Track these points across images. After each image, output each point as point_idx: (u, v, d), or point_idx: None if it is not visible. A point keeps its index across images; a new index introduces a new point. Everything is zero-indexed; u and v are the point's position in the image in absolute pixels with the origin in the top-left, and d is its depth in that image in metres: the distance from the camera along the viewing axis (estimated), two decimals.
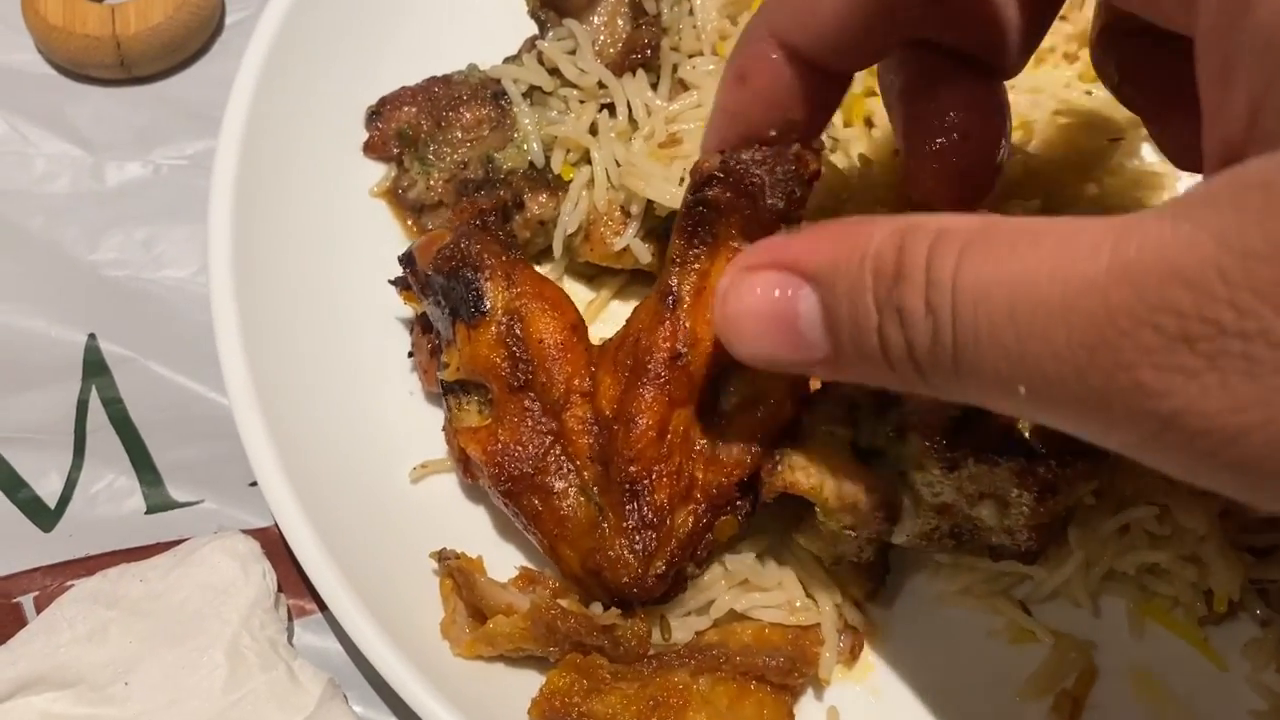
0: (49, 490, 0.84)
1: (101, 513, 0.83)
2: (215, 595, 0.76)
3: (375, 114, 0.94)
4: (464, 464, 0.77)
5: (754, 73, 0.63)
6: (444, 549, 0.77)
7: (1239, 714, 0.75)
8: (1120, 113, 0.83)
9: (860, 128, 0.88)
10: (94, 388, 0.87)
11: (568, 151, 0.88)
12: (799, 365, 0.55)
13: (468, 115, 0.92)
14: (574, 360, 0.73)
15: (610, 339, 0.74)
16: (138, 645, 0.74)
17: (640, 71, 0.89)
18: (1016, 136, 0.86)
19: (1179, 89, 0.54)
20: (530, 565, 0.78)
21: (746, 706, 0.71)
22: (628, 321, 0.73)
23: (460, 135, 0.91)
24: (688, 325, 0.69)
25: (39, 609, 0.78)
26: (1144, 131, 0.77)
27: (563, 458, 0.72)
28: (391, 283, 0.83)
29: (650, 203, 0.83)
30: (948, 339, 0.45)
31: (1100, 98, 0.85)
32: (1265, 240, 0.36)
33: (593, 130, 0.88)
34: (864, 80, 0.87)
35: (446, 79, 0.94)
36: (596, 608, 0.73)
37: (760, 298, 0.54)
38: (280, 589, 0.79)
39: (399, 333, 0.87)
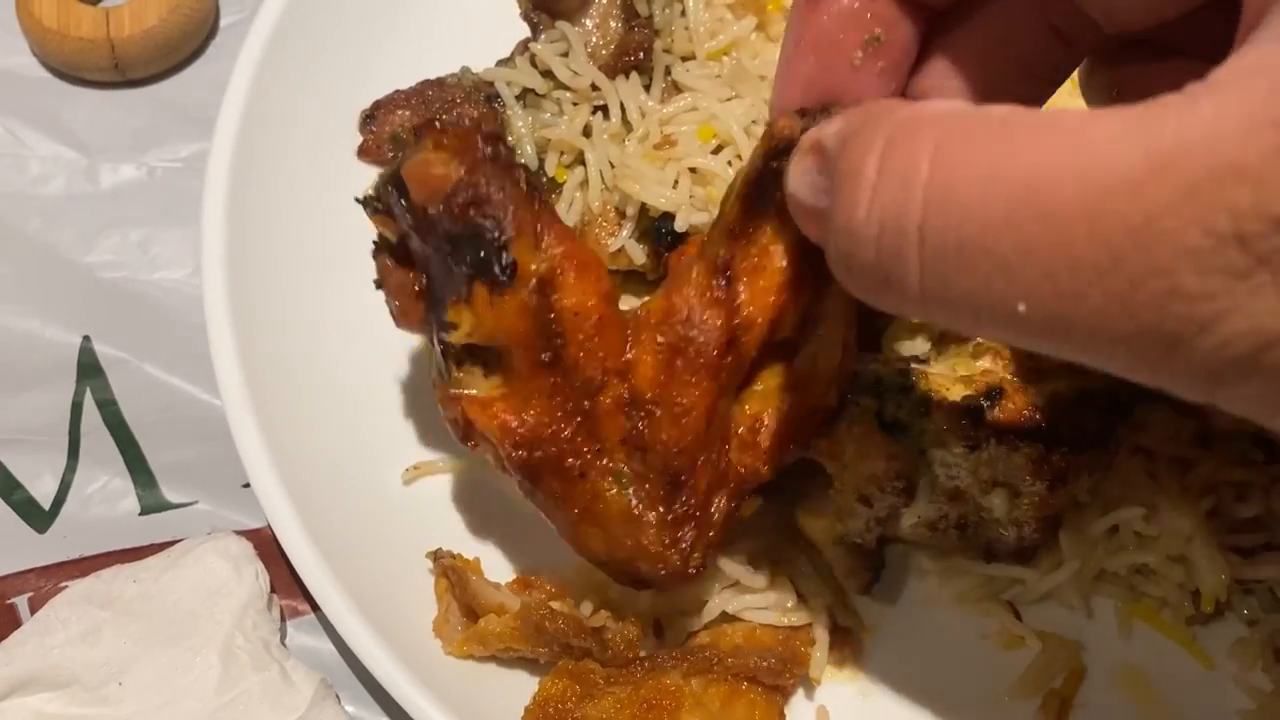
0: (43, 491, 0.84)
1: (96, 514, 0.84)
2: (208, 596, 0.77)
3: (369, 118, 0.94)
4: (464, 432, 0.69)
5: None
6: (439, 549, 0.77)
7: (1226, 713, 0.76)
8: None
9: None
10: (88, 389, 0.88)
11: (561, 154, 0.88)
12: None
13: (461, 119, 0.92)
14: (610, 336, 0.65)
15: (645, 310, 0.66)
16: (131, 646, 0.75)
17: (633, 74, 0.89)
18: None
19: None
20: (527, 569, 0.78)
21: (738, 707, 0.72)
22: (667, 293, 0.66)
23: None
24: (749, 309, 0.63)
25: (33, 610, 0.78)
26: None
27: (591, 439, 0.66)
28: (360, 201, 0.71)
29: (644, 204, 0.84)
30: (911, 255, 0.40)
31: None
32: None
33: (586, 132, 0.88)
34: None
35: (440, 82, 0.95)
36: (586, 609, 0.73)
37: (799, 183, 0.50)
38: (273, 590, 0.79)
39: (392, 335, 0.86)
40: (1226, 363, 0.36)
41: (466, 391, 0.68)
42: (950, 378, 0.70)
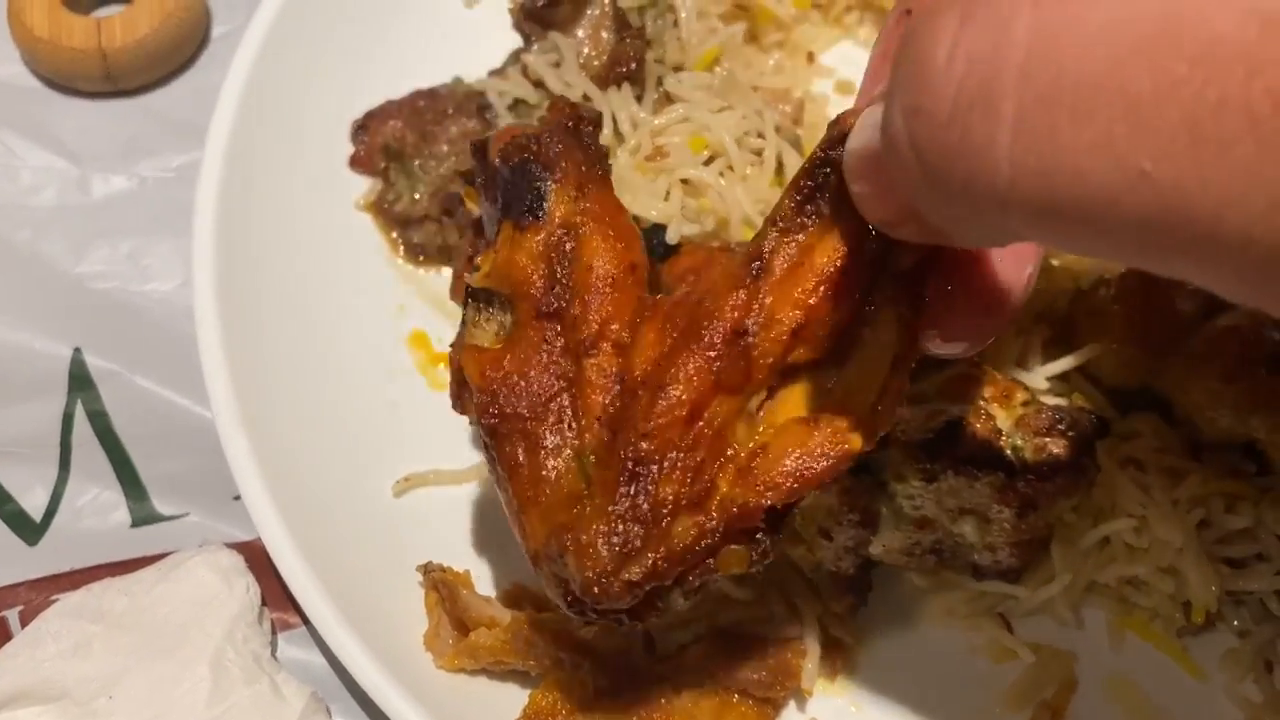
0: (34, 504, 0.84)
1: (87, 526, 0.84)
2: (199, 609, 0.76)
3: (361, 128, 0.94)
4: (457, 388, 0.65)
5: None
6: (429, 562, 0.77)
7: None
8: None
9: None
10: (79, 401, 0.87)
11: None
12: (894, 225, 0.46)
13: (453, 128, 0.92)
14: (620, 302, 0.60)
15: (670, 295, 0.61)
16: (122, 659, 0.74)
17: (625, 85, 0.89)
18: None
19: None
20: (517, 582, 0.78)
21: None
22: (697, 279, 0.62)
23: (445, 148, 0.92)
24: (768, 301, 0.55)
25: (24, 623, 0.78)
26: None
27: (567, 409, 0.59)
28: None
29: (636, 216, 0.84)
30: (1006, 106, 0.32)
31: None
32: None
33: None
34: None
35: (432, 92, 0.95)
36: (576, 621, 0.73)
37: (861, 139, 0.45)
38: (264, 602, 0.79)
39: (382, 346, 0.87)
40: None
41: (470, 342, 0.64)
42: (909, 410, 0.68)
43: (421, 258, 0.90)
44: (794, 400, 0.57)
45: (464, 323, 0.64)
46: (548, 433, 0.59)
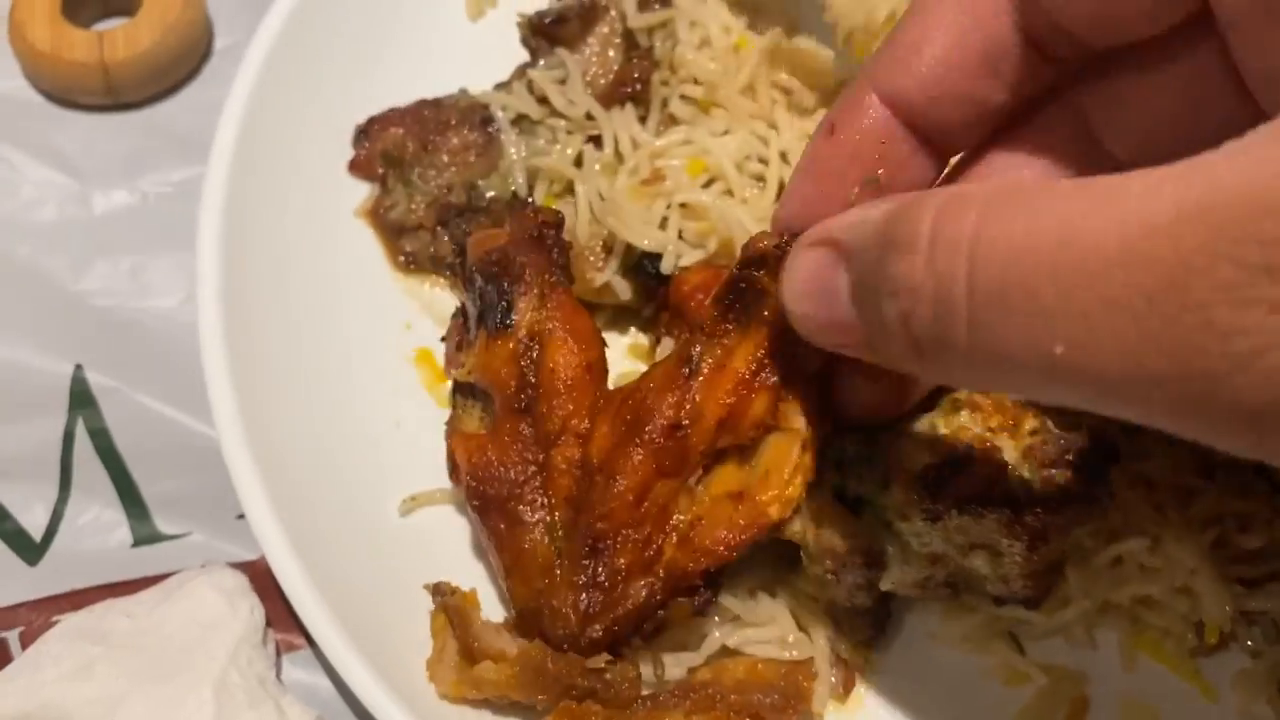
0: (34, 523, 0.83)
1: (88, 546, 0.83)
2: (202, 630, 0.75)
3: (363, 133, 0.94)
4: (452, 465, 0.77)
5: (844, 123, 0.58)
6: (440, 582, 0.76)
7: None
8: None
9: None
10: (80, 419, 0.87)
11: (551, 183, 0.88)
12: (846, 347, 0.53)
13: (454, 139, 0.92)
14: (579, 399, 0.73)
15: (624, 387, 0.73)
16: (124, 682, 0.73)
17: (629, 105, 0.89)
18: None
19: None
20: None
21: None
22: (643, 375, 0.73)
23: (446, 159, 0.91)
24: (698, 399, 0.68)
25: (24, 645, 0.77)
26: None
27: (540, 491, 0.72)
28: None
29: (629, 246, 0.84)
30: (960, 307, 0.42)
31: None
32: None
33: (579, 162, 0.88)
34: None
35: (437, 102, 0.94)
36: None
37: (807, 275, 0.53)
38: (269, 623, 0.78)
39: (388, 363, 0.87)
40: (1267, 403, 0.36)
41: (459, 428, 0.77)
42: (919, 443, 0.68)
43: (412, 266, 0.90)
44: (725, 477, 0.70)
45: (453, 408, 0.78)
46: (524, 510, 0.72)
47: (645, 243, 0.82)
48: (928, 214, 0.43)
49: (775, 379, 0.69)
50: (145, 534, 0.83)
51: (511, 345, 0.75)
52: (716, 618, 0.75)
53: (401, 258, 0.90)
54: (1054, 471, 0.67)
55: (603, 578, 0.69)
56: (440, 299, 0.90)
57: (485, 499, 0.73)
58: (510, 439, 0.74)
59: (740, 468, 0.70)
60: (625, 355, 0.89)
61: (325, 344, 0.86)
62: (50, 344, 0.89)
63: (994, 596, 0.71)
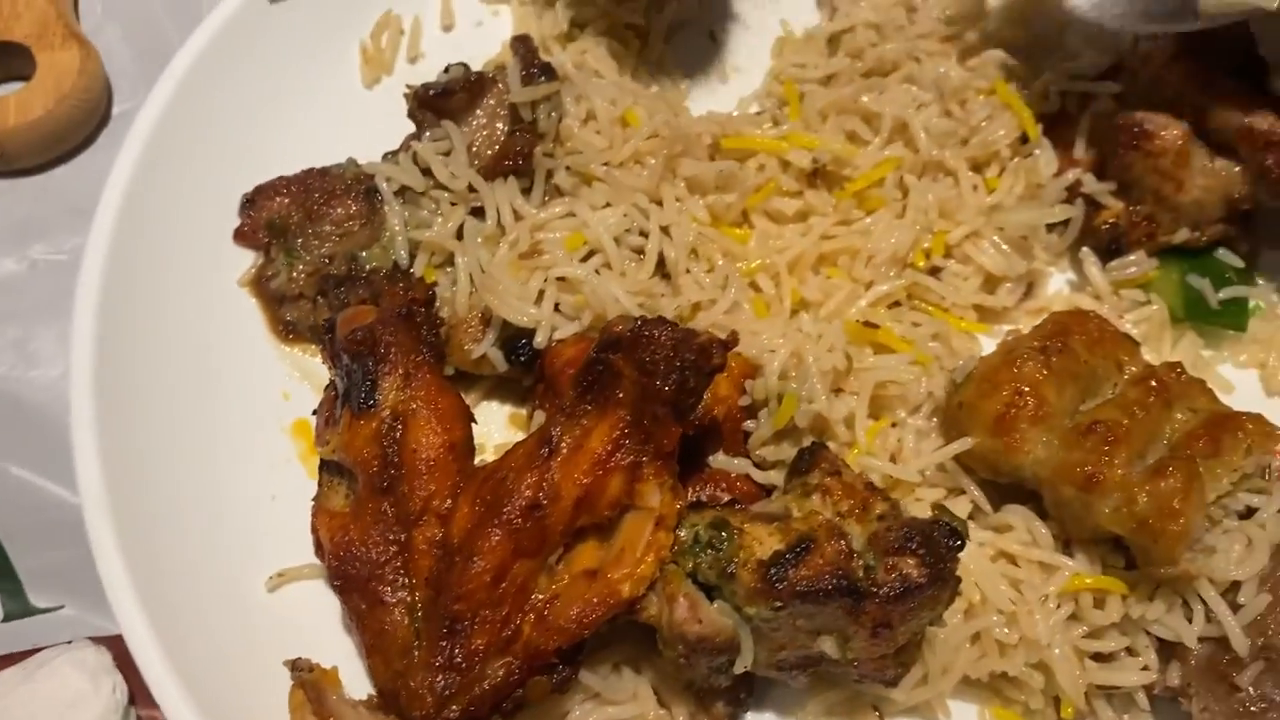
0: None
1: None
2: (64, 710, 0.75)
3: (249, 202, 0.94)
4: (316, 544, 0.78)
5: None
6: (298, 659, 0.76)
7: None
8: None
9: None
10: None
11: (432, 254, 0.89)
12: None
13: (339, 209, 0.92)
14: (440, 479, 0.74)
15: (486, 466, 0.74)
16: None
17: (512, 177, 0.90)
18: None
19: None
20: None
21: None
22: (505, 454, 0.73)
23: (329, 229, 0.92)
24: (556, 478, 0.69)
25: None
26: None
27: (401, 571, 0.73)
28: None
29: (505, 322, 0.84)
30: None
31: None
32: None
33: (460, 234, 0.88)
34: None
35: (324, 171, 0.95)
36: None
37: None
38: (133, 701, 0.78)
39: (264, 435, 0.87)
40: None
41: (325, 505, 0.78)
42: (766, 530, 0.69)
43: (291, 335, 0.90)
44: (584, 555, 0.71)
45: (319, 485, 0.79)
46: (385, 590, 0.73)
47: (521, 319, 0.83)
48: None
49: (631, 459, 0.70)
50: (17, 608, 0.83)
51: (375, 425, 0.76)
52: (579, 695, 0.76)
53: (282, 326, 0.91)
54: (897, 559, 0.67)
55: (460, 659, 0.69)
56: (320, 369, 0.90)
57: (347, 578, 0.74)
58: (372, 519, 0.75)
59: (599, 546, 0.72)
60: (506, 425, 0.90)
61: (202, 414, 0.86)
62: None
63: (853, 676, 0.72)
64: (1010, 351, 0.81)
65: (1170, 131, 0.89)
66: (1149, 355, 0.85)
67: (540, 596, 0.70)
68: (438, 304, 0.86)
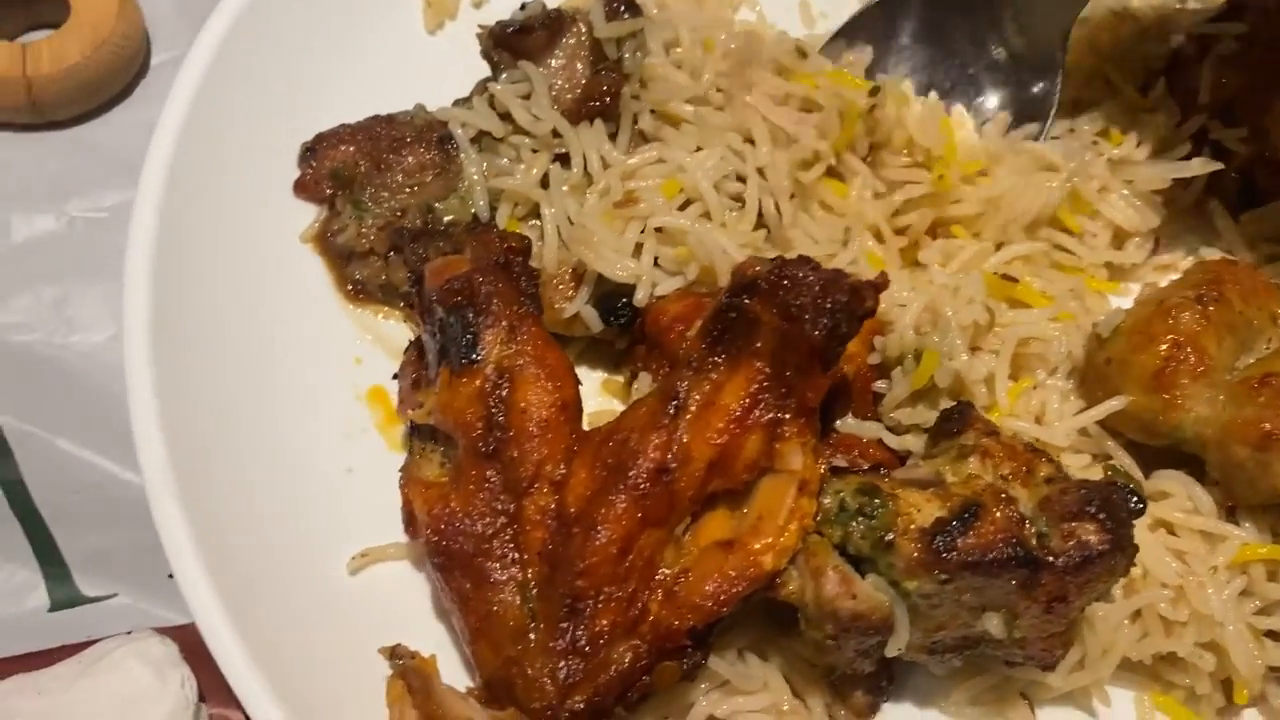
0: None
1: None
2: (126, 707, 0.68)
3: (310, 151, 0.86)
4: (408, 517, 0.72)
5: None
6: (397, 646, 0.69)
7: None
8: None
9: None
10: None
11: (515, 205, 0.81)
12: None
13: (410, 159, 0.85)
14: (554, 442, 0.67)
15: (602, 428, 0.67)
16: None
17: (598, 121, 0.82)
18: None
19: None
20: None
21: None
22: (623, 413, 0.67)
23: (401, 180, 0.84)
24: (685, 439, 0.62)
25: None
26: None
27: (510, 545, 0.65)
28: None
29: (600, 277, 0.77)
30: None
31: None
32: None
33: (545, 183, 0.81)
34: None
35: (390, 119, 0.87)
36: None
37: None
38: (202, 698, 0.71)
39: (337, 404, 0.79)
40: None
41: (418, 475, 0.70)
42: (923, 496, 0.62)
43: (362, 295, 0.83)
44: (715, 524, 0.64)
45: (409, 453, 0.71)
46: (493, 567, 0.65)
47: (619, 273, 0.76)
48: None
49: (770, 416, 0.63)
50: (65, 597, 0.76)
51: (478, 383, 0.68)
52: (704, 684, 0.68)
53: (351, 286, 0.83)
54: (1074, 525, 0.61)
55: (583, 642, 0.62)
56: (394, 331, 0.82)
57: (448, 555, 0.67)
58: (476, 487, 0.67)
59: (732, 514, 0.65)
60: (599, 392, 0.82)
61: (267, 384, 0.78)
62: None
63: (1006, 660, 0.65)
64: (1163, 302, 0.74)
65: None
66: None
67: (668, 571, 0.63)
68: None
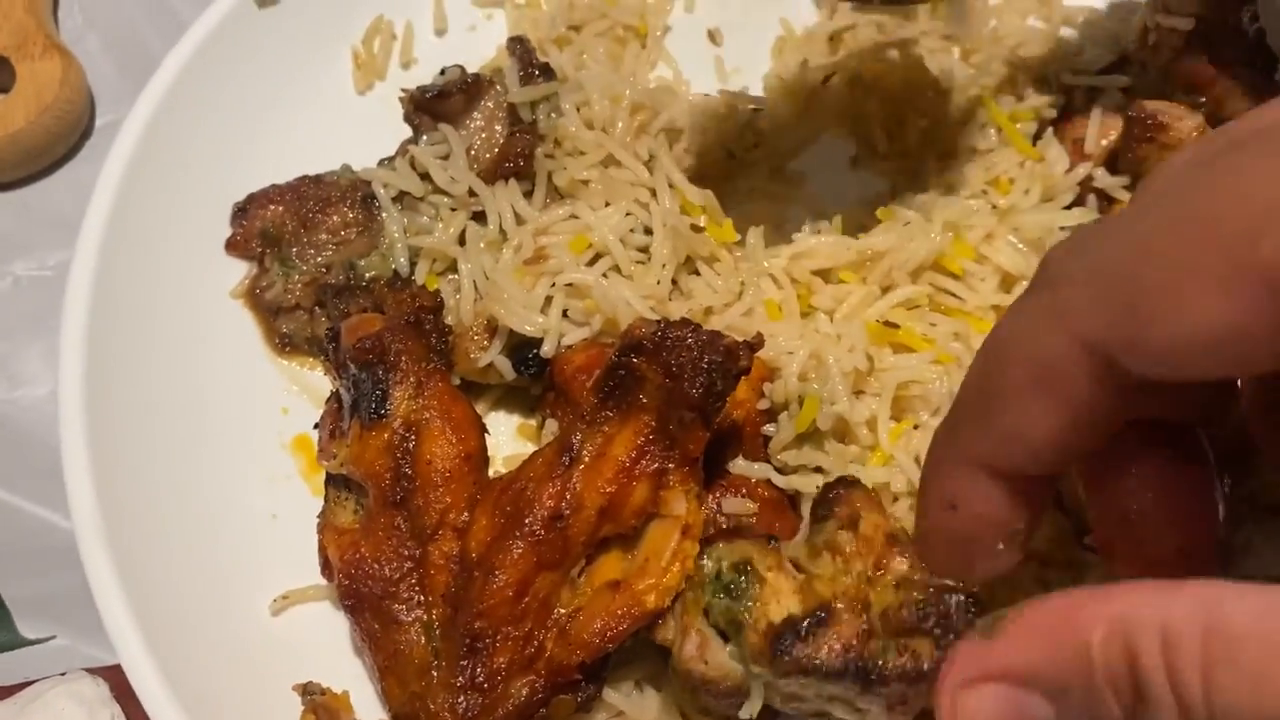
0: None
1: None
2: None
3: (241, 211, 0.91)
4: (324, 561, 0.76)
5: (966, 501, 0.57)
6: (309, 683, 0.73)
7: None
8: None
9: None
10: None
11: (434, 261, 0.86)
12: None
13: (335, 217, 0.89)
14: (457, 491, 0.71)
15: (503, 476, 0.72)
16: None
17: (513, 180, 0.87)
18: None
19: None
20: None
21: None
22: (523, 464, 0.71)
23: (325, 237, 0.89)
24: (578, 487, 0.66)
25: None
26: None
27: (416, 588, 0.70)
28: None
29: (511, 331, 0.81)
30: None
31: None
32: None
33: (461, 240, 0.86)
34: None
35: (318, 179, 0.92)
36: None
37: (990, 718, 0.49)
38: None
39: (262, 448, 0.84)
40: None
41: (332, 522, 0.75)
42: (792, 584, 0.65)
43: (289, 348, 0.87)
44: (608, 566, 0.68)
45: (326, 500, 0.76)
46: (399, 609, 0.70)
47: (527, 328, 0.80)
48: (1155, 657, 0.42)
49: (655, 465, 0.68)
50: (5, 640, 0.80)
51: (386, 436, 0.73)
52: (601, 715, 0.73)
53: (279, 340, 0.88)
54: (909, 641, 0.62)
55: (481, 678, 0.66)
56: (319, 382, 0.87)
57: (358, 597, 0.71)
58: (385, 534, 0.72)
59: (623, 556, 0.69)
60: (514, 436, 0.87)
61: (197, 432, 0.82)
62: None
63: None
64: None
65: (1186, 123, 0.88)
66: None
67: (563, 611, 0.68)
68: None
